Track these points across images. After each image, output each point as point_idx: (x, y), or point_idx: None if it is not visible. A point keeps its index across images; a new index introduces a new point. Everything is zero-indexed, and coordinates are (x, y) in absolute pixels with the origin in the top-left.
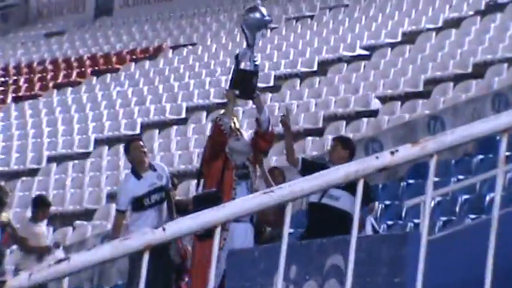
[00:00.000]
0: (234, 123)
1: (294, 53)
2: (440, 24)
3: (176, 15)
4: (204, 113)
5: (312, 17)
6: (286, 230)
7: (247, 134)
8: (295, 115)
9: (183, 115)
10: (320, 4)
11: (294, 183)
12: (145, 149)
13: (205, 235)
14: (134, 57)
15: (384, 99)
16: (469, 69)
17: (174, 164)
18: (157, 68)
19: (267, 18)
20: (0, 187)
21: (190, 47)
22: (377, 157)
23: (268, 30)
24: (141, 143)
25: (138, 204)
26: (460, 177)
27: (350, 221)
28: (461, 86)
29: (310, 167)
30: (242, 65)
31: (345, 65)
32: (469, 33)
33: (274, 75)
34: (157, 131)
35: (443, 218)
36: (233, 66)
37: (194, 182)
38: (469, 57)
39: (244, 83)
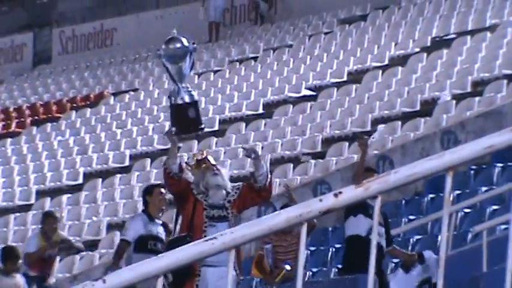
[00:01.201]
0: (208, 160)
1: (238, 95)
2: (386, 62)
3: (117, 60)
4: (148, 160)
5: (255, 58)
6: (230, 276)
7: (225, 169)
8: (240, 159)
9: (127, 163)
10: (263, 45)
11: (236, 230)
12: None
13: (178, 283)
14: (75, 105)
15: (331, 140)
16: (417, 107)
17: (119, 214)
18: (99, 116)
19: (189, 45)
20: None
21: (132, 93)
22: (320, 200)
23: (212, 73)
24: (163, 190)
25: (142, 244)
26: (411, 217)
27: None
28: (410, 125)
29: None
30: (175, 101)
31: (291, 106)
32: (415, 71)
33: (219, 119)
34: (100, 180)
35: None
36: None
37: None
38: (416, 95)
39: (181, 118)
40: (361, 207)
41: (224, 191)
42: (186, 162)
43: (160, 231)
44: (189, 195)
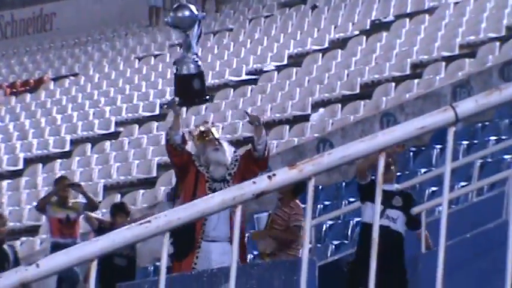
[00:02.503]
0: (212, 132)
1: None
2: (326, 45)
3: (56, 45)
4: (89, 145)
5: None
6: (164, 262)
7: (228, 144)
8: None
9: (67, 148)
10: (204, 29)
11: (170, 212)
12: None
13: (180, 255)
14: (14, 90)
15: (272, 124)
16: (357, 90)
17: None
18: (39, 101)
19: (198, 14)
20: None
21: (72, 78)
22: (254, 182)
23: (152, 57)
24: None
25: None
26: (351, 199)
27: (404, 244)
28: (349, 107)
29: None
30: (182, 70)
31: (232, 90)
32: (355, 54)
33: (160, 103)
34: (40, 165)
35: (336, 242)
36: (174, 74)
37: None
38: (356, 78)
39: (186, 88)
40: (370, 194)
41: (225, 166)
42: (189, 132)
43: None
44: (190, 166)
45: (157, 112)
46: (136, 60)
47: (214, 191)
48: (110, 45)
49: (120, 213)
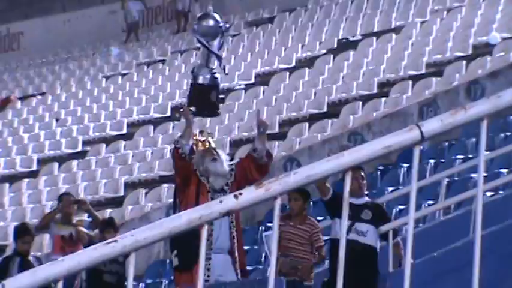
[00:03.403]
0: (209, 142)
1: (146, 98)
2: (293, 64)
3: (24, 64)
4: (56, 164)
5: (163, 61)
6: (130, 281)
7: (225, 154)
8: (149, 162)
9: (34, 167)
10: (171, 48)
11: (136, 232)
12: None
13: (185, 266)
14: None
15: (239, 142)
16: (324, 109)
17: (26, 218)
18: (6, 120)
19: (222, 24)
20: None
21: (39, 97)
22: (221, 201)
23: (120, 77)
24: None
25: None
26: (319, 218)
27: (377, 256)
28: (317, 126)
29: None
30: (199, 80)
31: None
32: (322, 72)
33: (127, 123)
34: (7, 184)
35: None
36: (190, 82)
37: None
38: (323, 97)
39: (201, 99)
40: (337, 210)
41: (224, 177)
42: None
43: None
44: (193, 176)
45: (124, 131)
46: (104, 79)
47: None
48: (77, 64)
49: (109, 229)
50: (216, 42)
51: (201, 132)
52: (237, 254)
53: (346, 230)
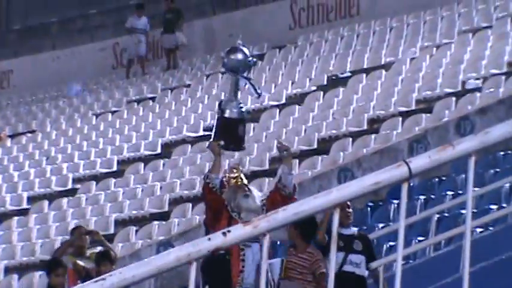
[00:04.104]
0: (241, 178)
1: (136, 136)
2: (283, 100)
3: (13, 102)
4: (46, 202)
5: (153, 98)
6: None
7: (257, 190)
8: (140, 200)
9: (25, 205)
10: (161, 85)
11: (125, 270)
12: None
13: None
14: None
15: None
16: (314, 145)
17: (16, 257)
18: None
19: (250, 59)
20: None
21: (29, 135)
22: (209, 239)
23: (110, 114)
24: None
25: None
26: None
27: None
28: (307, 162)
29: None
30: (227, 113)
31: (189, 146)
32: (312, 109)
33: (117, 160)
34: None
35: None
36: (216, 115)
37: (37, 274)
38: (313, 133)
39: (229, 133)
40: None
41: (257, 213)
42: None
43: None
44: (224, 211)
45: (114, 169)
46: (94, 117)
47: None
48: (67, 102)
49: (105, 262)
50: (243, 77)
51: (233, 168)
52: None
53: (342, 261)
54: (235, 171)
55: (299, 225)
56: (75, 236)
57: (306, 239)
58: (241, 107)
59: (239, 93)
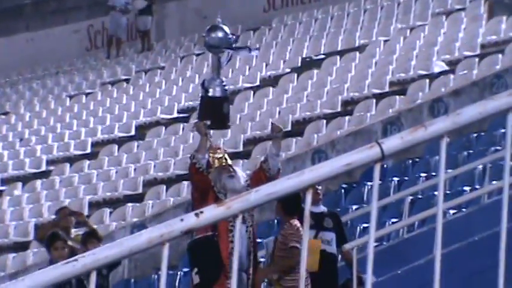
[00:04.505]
0: (226, 159)
1: (110, 118)
2: (257, 83)
3: None
4: (20, 184)
5: (127, 80)
6: None
7: (241, 171)
8: (114, 182)
9: None
10: (136, 67)
11: (97, 251)
12: None
13: (205, 285)
14: None
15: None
16: (288, 127)
17: None
18: None
19: (231, 36)
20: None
21: (3, 117)
22: (182, 219)
23: (84, 96)
24: None
25: None
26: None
27: (337, 263)
28: (281, 145)
29: None
30: (210, 92)
31: (163, 128)
32: (287, 91)
33: (91, 142)
34: None
35: None
36: (200, 95)
37: (11, 256)
38: (287, 115)
39: (214, 112)
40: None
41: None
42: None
43: None
44: (210, 191)
45: (88, 151)
46: (68, 99)
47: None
48: (41, 83)
49: (92, 240)
50: (225, 55)
51: (217, 149)
52: (251, 271)
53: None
54: (219, 151)
55: (281, 200)
56: (59, 216)
57: (288, 213)
58: (225, 85)
59: (222, 71)
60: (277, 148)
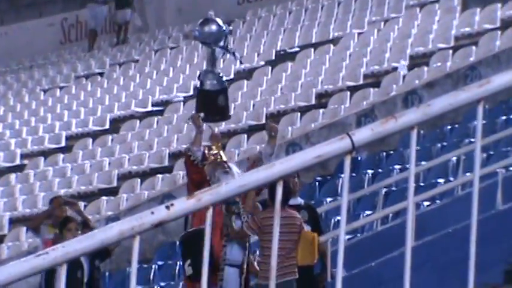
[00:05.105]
0: (221, 155)
1: (84, 111)
2: (231, 76)
3: None
4: None
5: (101, 74)
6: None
7: (236, 167)
8: (88, 175)
9: None
10: (110, 60)
11: (68, 244)
12: None
13: (199, 276)
14: None
15: (177, 155)
16: (262, 120)
17: None
18: None
19: (225, 28)
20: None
21: None
22: (152, 212)
23: (58, 89)
24: None
25: None
26: None
27: None
28: (255, 137)
29: None
30: (206, 85)
31: (138, 121)
32: (261, 84)
33: (66, 136)
34: None
35: None
36: (197, 88)
37: None
38: (262, 108)
39: (209, 104)
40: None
41: None
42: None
43: None
44: (205, 184)
45: (63, 144)
46: (42, 92)
47: (229, 213)
48: (15, 77)
49: (85, 230)
50: (219, 48)
51: (212, 146)
52: (245, 266)
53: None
54: (214, 148)
55: (270, 190)
56: (53, 206)
57: (271, 198)
58: (221, 77)
59: (216, 62)
60: (272, 148)
